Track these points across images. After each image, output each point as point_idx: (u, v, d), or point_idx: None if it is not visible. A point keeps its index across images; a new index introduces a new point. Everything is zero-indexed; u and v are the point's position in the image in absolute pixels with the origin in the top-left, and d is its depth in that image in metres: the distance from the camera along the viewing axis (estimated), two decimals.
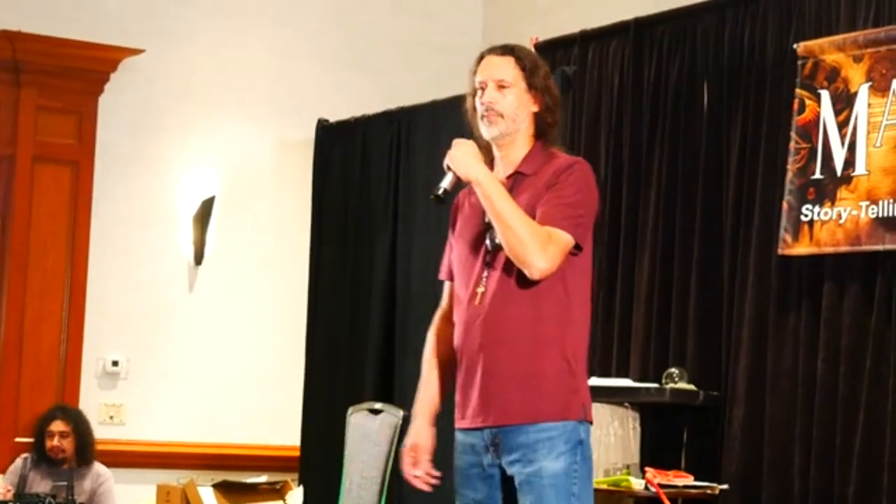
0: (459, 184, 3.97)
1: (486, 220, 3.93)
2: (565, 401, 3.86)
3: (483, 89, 4.02)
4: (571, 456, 3.84)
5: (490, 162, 4.03)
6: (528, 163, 4.00)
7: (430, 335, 4.16)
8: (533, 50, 4.13)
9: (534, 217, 3.85)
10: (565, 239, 3.86)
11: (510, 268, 3.87)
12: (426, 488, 4.02)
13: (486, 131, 4.02)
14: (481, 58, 4.08)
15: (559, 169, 3.93)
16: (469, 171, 3.90)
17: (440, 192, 3.95)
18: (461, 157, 3.93)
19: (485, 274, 3.93)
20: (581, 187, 3.94)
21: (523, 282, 3.86)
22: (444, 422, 4.06)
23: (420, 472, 4.01)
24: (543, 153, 4.01)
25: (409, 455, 4.03)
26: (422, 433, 4.05)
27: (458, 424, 3.98)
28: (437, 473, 4.00)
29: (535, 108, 4.02)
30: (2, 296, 7.72)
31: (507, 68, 4.01)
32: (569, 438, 3.84)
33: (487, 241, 3.95)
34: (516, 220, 3.80)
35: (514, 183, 3.97)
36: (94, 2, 8.01)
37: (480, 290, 3.92)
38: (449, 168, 3.95)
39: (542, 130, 4.04)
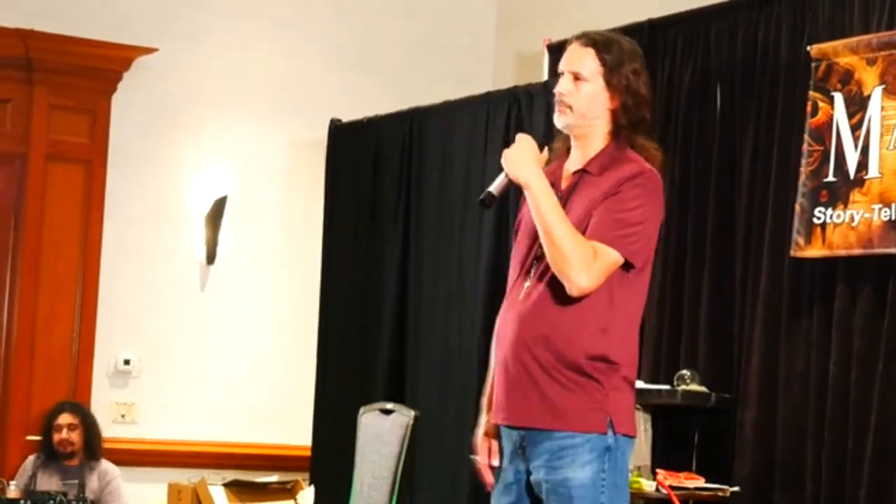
0: (511, 187, 3.83)
1: None
2: (587, 411, 3.71)
3: (562, 77, 3.86)
4: (599, 464, 3.70)
5: (567, 151, 3.90)
6: (596, 162, 3.82)
7: (496, 328, 3.95)
8: (628, 44, 3.89)
9: (588, 222, 3.71)
10: (612, 257, 3.69)
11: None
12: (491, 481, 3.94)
13: (556, 119, 3.86)
14: (568, 44, 3.90)
15: (623, 178, 3.74)
16: (520, 172, 3.74)
17: (485, 196, 3.82)
18: (514, 157, 3.77)
19: (532, 270, 3.81)
20: (642, 202, 3.74)
21: (549, 274, 3.73)
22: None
23: (496, 462, 3.92)
24: (615, 154, 3.82)
25: (484, 446, 3.95)
26: (490, 425, 3.94)
27: (493, 419, 3.90)
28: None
29: (612, 106, 3.83)
30: (14, 294, 7.73)
31: (586, 60, 3.82)
32: (594, 447, 3.70)
33: None
34: (562, 232, 3.64)
35: (579, 180, 3.82)
36: (106, 1, 8.02)
37: (526, 285, 3.79)
38: (502, 169, 3.81)
39: (622, 129, 3.85)
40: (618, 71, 3.82)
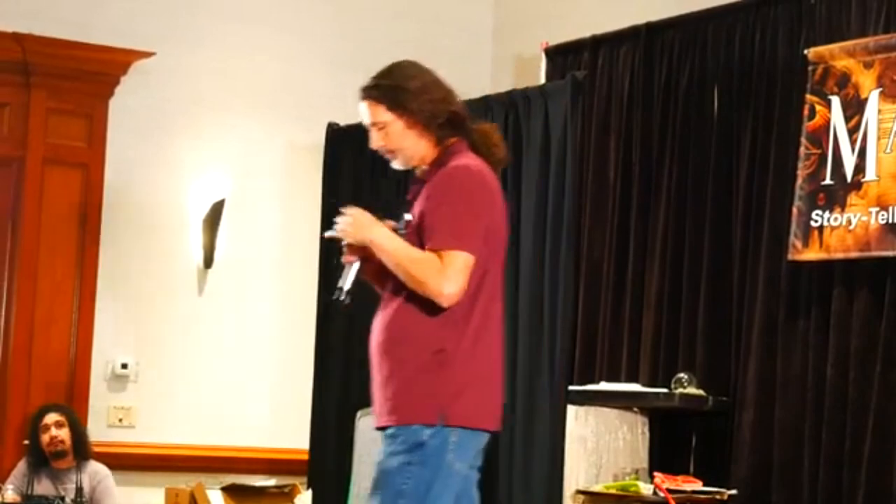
0: (359, 273, 4.05)
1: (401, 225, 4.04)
2: (409, 403, 3.89)
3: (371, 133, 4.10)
4: (406, 456, 3.87)
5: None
6: (427, 171, 4.05)
7: None
8: (396, 66, 4.20)
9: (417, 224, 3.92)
10: (461, 258, 3.88)
11: (390, 274, 3.97)
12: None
13: (394, 165, 4.12)
14: None
15: (435, 182, 3.96)
16: (365, 236, 3.98)
17: (338, 294, 4.08)
18: (356, 228, 3.99)
19: (384, 278, 4.04)
20: (454, 197, 3.93)
21: (399, 287, 3.94)
22: None
23: None
24: (442, 158, 4.03)
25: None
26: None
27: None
28: None
29: (420, 125, 4.04)
30: (11, 298, 7.72)
31: (372, 110, 4.07)
32: (406, 440, 3.87)
33: None
34: (407, 261, 3.88)
35: (418, 190, 4.05)
36: (104, 5, 8.01)
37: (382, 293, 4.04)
38: (349, 263, 4.06)
39: (442, 135, 4.06)
40: (401, 97, 4.05)
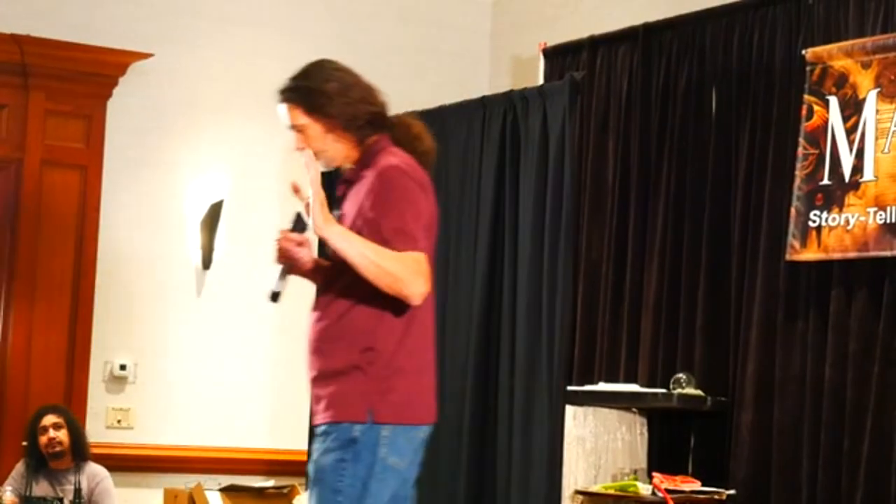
0: (288, 276, 4.09)
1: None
2: (341, 401, 3.91)
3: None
4: (340, 453, 3.89)
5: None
6: (353, 170, 4.06)
7: None
8: (311, 66, 4.14)
9: (359, 227, 3.91)
10: (422, 258, 3.89)
11: (331, 270, 4.00)
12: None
13: (321, 167, 4.11)
14: None
15: (372, 185, 3.94)
16: (329, 232, 3.93)
17: (272, 296, 4.12)
18: (323, 226, 3.93)
19: (319, 279, 4.09)
20: (396, 201, 3.92)
21: (335, 283, 3.97)
22: None
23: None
24: (367, 157, 4.04)
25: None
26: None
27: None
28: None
29: (340, 125, 4.03)
30: (10, 300, 7.72)
31: (290, 113, 4.06)
32: (338, 437, 3.89)
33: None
34: (388, 260, 3.84)
35: (346, 189, 4.07)
36: (102, 6, 8.02)
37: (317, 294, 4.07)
38: (281, 263, 4.08)
39: (363, 134, 4.06)
40: (317, 98, 4.03)
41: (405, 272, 3.85)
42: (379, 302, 3.89)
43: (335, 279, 3.98)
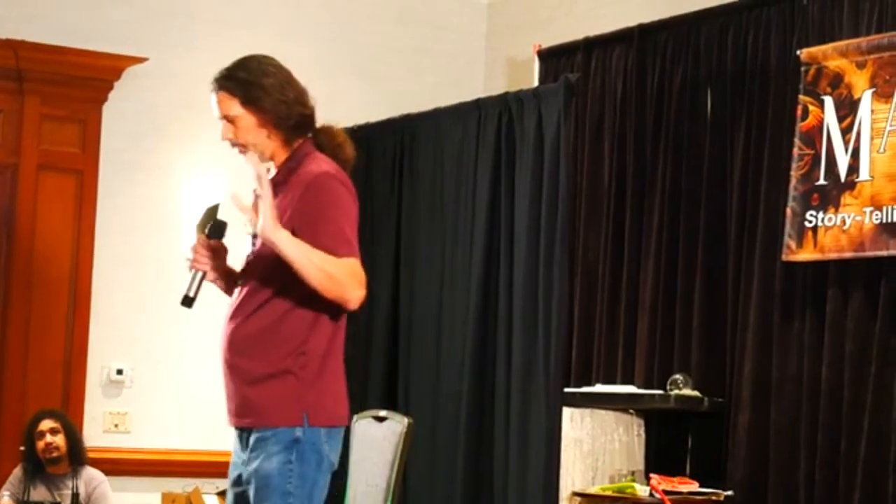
0: (203, 281, 4.12)
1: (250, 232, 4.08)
2: (279, 405, 3.92)
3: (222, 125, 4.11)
4: (285, 455, 3.91)
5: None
6: (281, 171, 4.07)
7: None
8: (254, 62, 4.12)
9: (293, 231, 3.91)
10: (358, 264, 3.93)
11: (254, 273, 4.02)
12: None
13: (246, 159, 4.11)
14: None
15: (307, 190, 3.95)
16: (277, 235, 3.91)
17: (185, 300, 4.13)
18: (272, 230, 3.92)
19: (240, 280, 4.08)
20: (333, 208, 3.95)
21: (261, 287, 3.98)
22: None
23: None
24: (294, 160, 4.06)
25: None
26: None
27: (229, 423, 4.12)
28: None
29: (271, 122, 4.05)
30: (7, 305, 7.71)
31: (224, 102, 4.06)
32: (280, 440, 3.90)
33: (249, 248, 4.12)
34: (332, 266, 3.87)
35: (274, 190, 4.03)
36: (97, 11, 8.01)
37: (234, 296, 4.06)
38: (195, 268, 4.13)
39: (291, 135, 4.08)
40: (254, 92, 4.03)
41: (348, 278, 3.88)
42: (314, 306, 3.92)
43: (262, 282, 3.99)
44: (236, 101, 4.05)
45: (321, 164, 4.03)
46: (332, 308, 3.94)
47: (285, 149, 4.08)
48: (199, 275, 4.13)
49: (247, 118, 4.05)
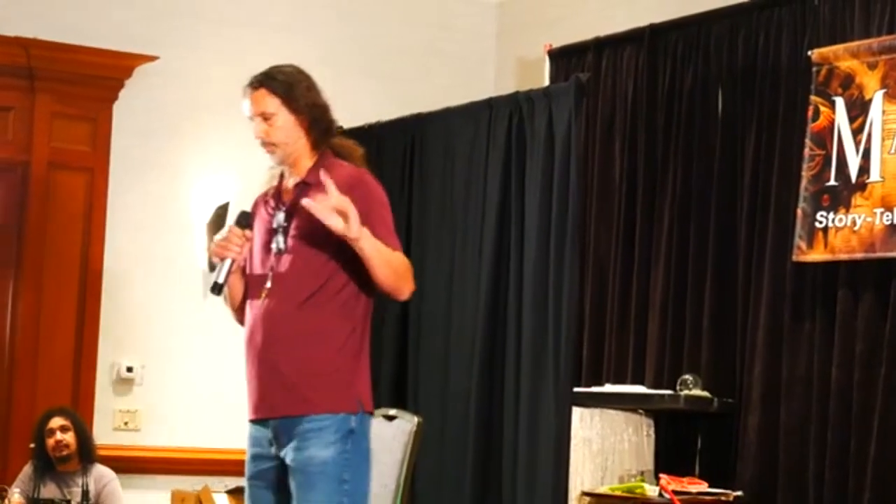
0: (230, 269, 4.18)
1: (275, 226, 4.19)
2: (336, 395, 4.06)
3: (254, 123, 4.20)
4: (342, 444, 4.03)
5: (281, 175, 4.29)
6: (312, 174, 4.16)
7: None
8: (289, 68, 4.27)
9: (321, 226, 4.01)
10: (406, 258, 4.15)
11: (292, 270, 4.11)
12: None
13: (271, 159, 4.26)
14: (244, 95, 4.26)
15: (355, 190, 4.06)
16: (360, 232, 4.01)
17: (214, 287, 4.18)
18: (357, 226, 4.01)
19: (270, 275, 4.14)
20: (381, 204, 4.17)
21: (303, 283, 4.09)
22: None
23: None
24: (324, 163, 4.16)
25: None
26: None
27: (249, 416, 4.20)
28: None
29: (304, 125, 4.18)
30: (17, 302, 7.73)
31: (264, 100, 4.17)
32: (338, 428, 4.03)
33: (274, 246, 4.17)
34: (398, 260, 4.09)
35: (300, 192, 4.15)
36: (107, 10, 8.02)
37: (266, 287, 4.13)
38: (218, 256, 4.17)
39: (320, 140, 4.20)
40: (294, 94, 4.18)
41: (405, 271, 4.11)
42: (358, 298, 4.11)
43: (309, 275, 4.09)
44: (277, 99, 4.18)
45: (350, 168, 4.19)
46: (368, 301, 4.14)
47: (312, 153, 4.21)
48: (229, 262, 4.18)
49: (285, 116, 4.17)
